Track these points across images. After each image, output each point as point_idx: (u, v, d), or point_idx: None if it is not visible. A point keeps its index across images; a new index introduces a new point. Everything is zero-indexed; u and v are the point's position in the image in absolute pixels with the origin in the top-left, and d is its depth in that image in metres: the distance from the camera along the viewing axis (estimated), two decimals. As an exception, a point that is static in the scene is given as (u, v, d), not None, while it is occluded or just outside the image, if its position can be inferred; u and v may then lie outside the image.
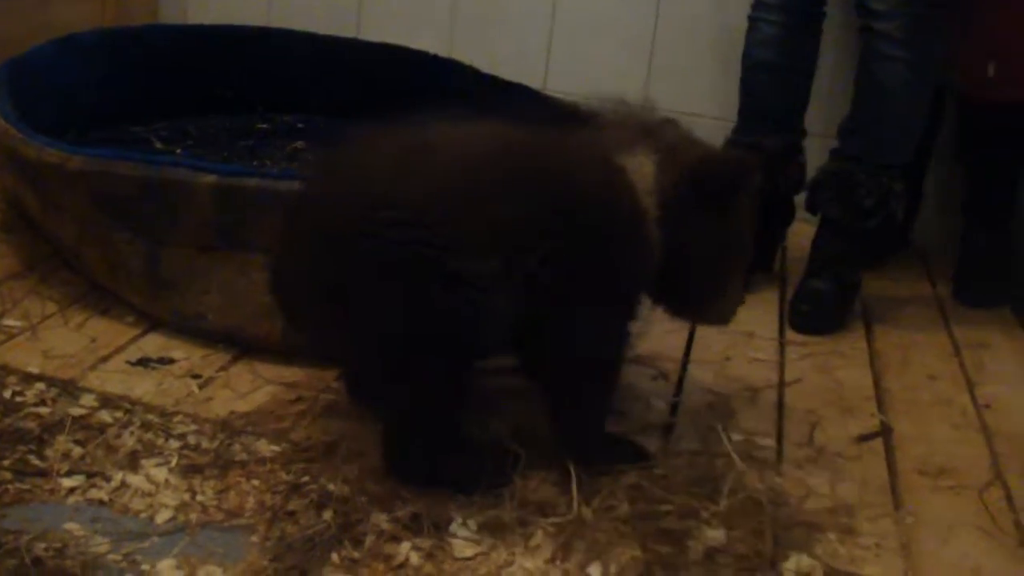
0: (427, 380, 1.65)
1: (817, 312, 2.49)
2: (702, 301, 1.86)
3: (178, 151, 2.78)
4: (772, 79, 2.63)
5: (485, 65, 2.97)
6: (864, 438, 2.00)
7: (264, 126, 3.06)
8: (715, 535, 1.62)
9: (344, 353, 1.79)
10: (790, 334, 2.44)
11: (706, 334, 2.34)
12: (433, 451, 1.69)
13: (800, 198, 2.69)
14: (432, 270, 1.57)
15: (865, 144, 2.48)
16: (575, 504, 1.65)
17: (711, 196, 1.73)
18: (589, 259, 1.67)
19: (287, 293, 1.72)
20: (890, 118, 2.47)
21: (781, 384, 2.18)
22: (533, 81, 3.04)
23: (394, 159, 1.64)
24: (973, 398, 2.22)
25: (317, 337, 1.79)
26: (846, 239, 2.52)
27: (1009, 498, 1.85)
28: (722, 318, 1.91)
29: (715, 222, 1.75)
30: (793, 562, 1.60)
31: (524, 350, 1.78)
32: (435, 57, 3.04)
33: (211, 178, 1.93)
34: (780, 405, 2.09)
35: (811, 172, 2.65)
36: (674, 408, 2.03)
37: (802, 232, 2.74)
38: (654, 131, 1.77)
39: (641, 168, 1.72)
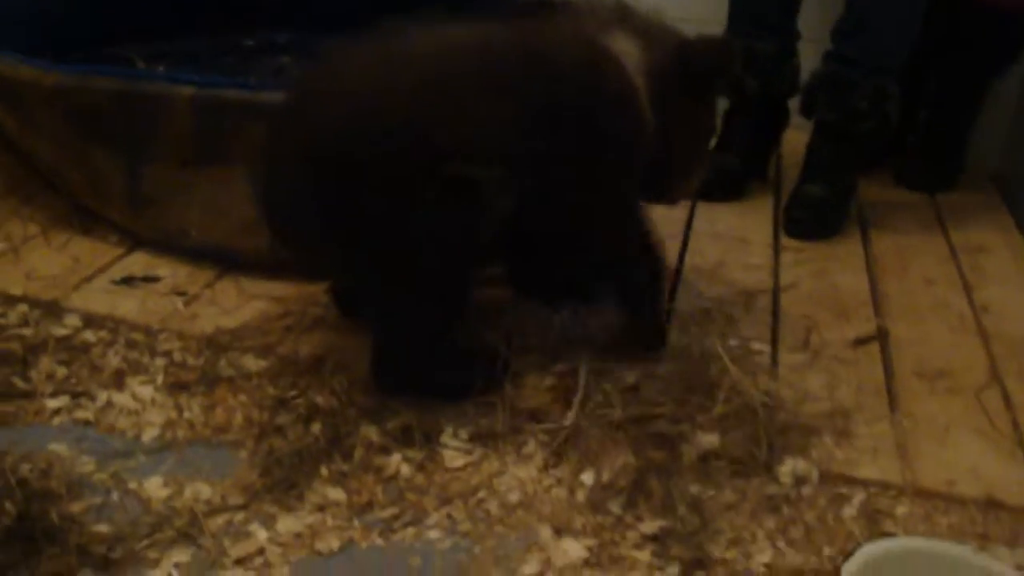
0: (425, 292, 1.61)
1: (812, 217, 2.46)
2: (673, 182, 1.86)
3: (161, 69, 2.73)
4: None
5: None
6: (860, 341, 1.97)
7: (249, 43, 3.01)
8: (709, 439, 1.61)
9: (336, 268, 1.75)
10: (785, 240, 2.41)
11: (700, 240, 2.31)
12: (424, 363, 1.67)
13: (794, 103, 2.64)
14: (427, 178, 1.53)
15: (859, 46, 2.43)
16: (574, 411, 1.64)
17: (698, 78, 1.73)
18: (594, 143, 1.64)
19: (274, 210, 1.67)
20: (883, 18, 2.42)
21: (776, 289, 2.15)
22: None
23: (378, 68, 1.59)
24: (971, 301, 2.20)
25: (306, 253, 1.75)
26: (841, 143, 2.49)
27: (1006, 399, 1.83)
28: (686, 196, 1.97)
29: (696, 104, 1.76)
30: (788, 465, 1.58)
31: (528, 256, 1.79)
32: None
33: (189, 90, 1.89)
34: (775, 310, 2.07)
35: (805, 76, 2.60)
36: (668, 314, 2.00)
37: (797, 139, 2.70)
38: (626, 16, 1.75)
39: (626, 50, 1.69)
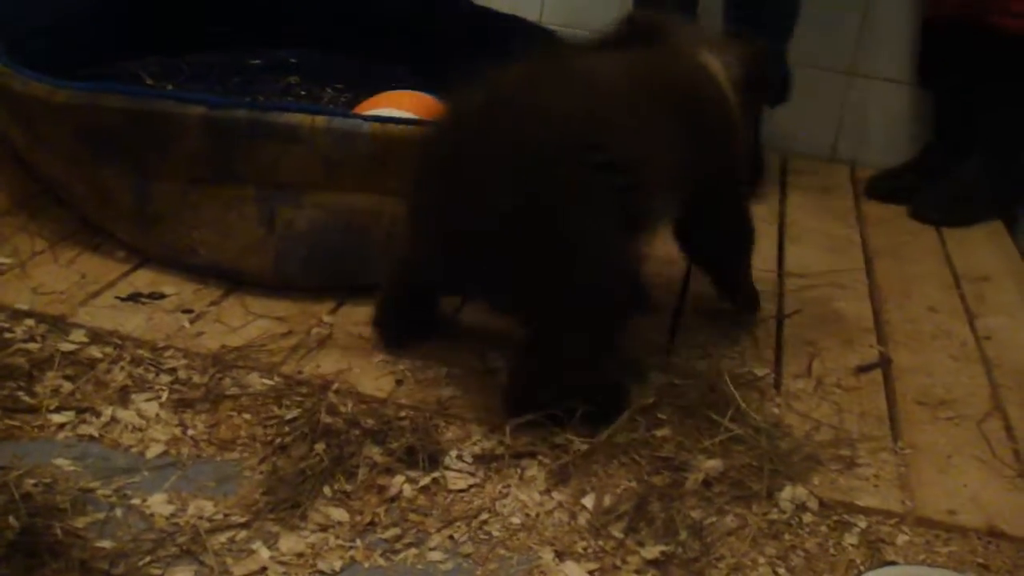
0: (600, 315, 1.65)
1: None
2: None
3: (169, 87, 2.75)
4: None
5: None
6: (863, 369, 1.98)
7: (257, 61, 3.02)
8: (712, 465, 1.61)
9: (485, 285, 1.72)
10: (789, 266, 2.41)
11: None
12: (577, 384, 1.70)
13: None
14: (622, 209, 1.63)
15: None
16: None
17: (759, 84, 1.95)
18: (718, 160, 1.83)
19: (441, 225, 1.69)
20: None
21: (780, 315, 2.16)
22: (529, 14, 3.00)
23: (585, 99, 1.66)
24: (973, 330, 2.21)
25: (468, 274, 1.72)
26: None
27: (1008, 428, 1.84)
28: None
29: (753, 106, 1.98)
30: (788, 492, 1.59)
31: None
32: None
33: (200, 109, 1.90)
34: (779, 336, 2.07)
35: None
36: (672, 338, 2.02)
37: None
38: (703, 34, 1.95)
39: (715, 67, 1.87)
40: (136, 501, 1.47)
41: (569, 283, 1.60)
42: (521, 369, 1.72)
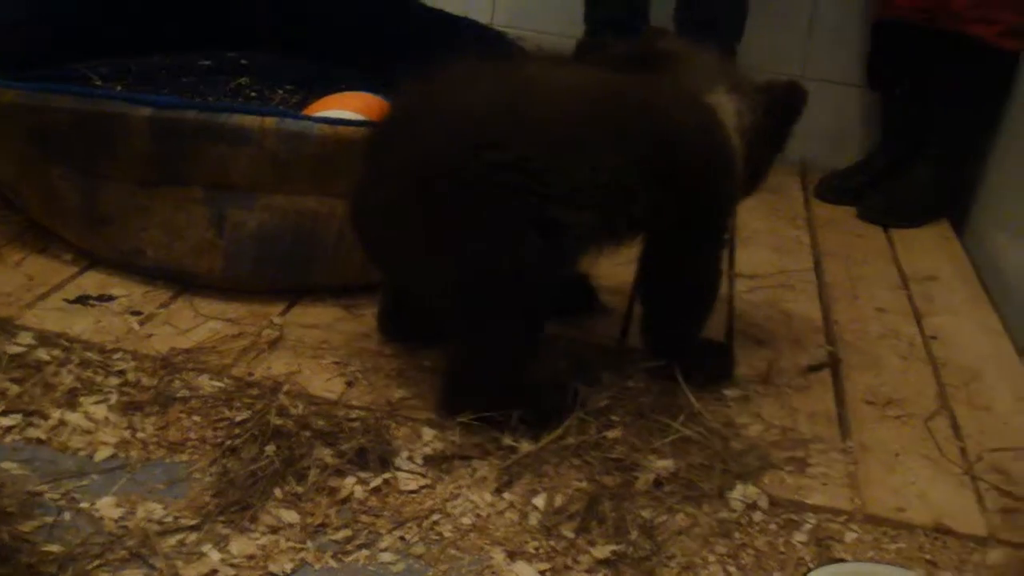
0: (508, 318, 1.64)
1: None
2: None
3: (118, 88, 2.73)
4: None
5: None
6: (812, 369, 2.00)
7: (207, 63, 3.01)
8: (663, 465, 1.62)
9: (422, 287, 1.71)
10: (739, 267, 2.43)
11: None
12: (505, 392, 1.68)
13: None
14: (530, 216, 1.58)
15: None
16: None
17: (779, 127, 1.85)
18: (693, 202, 1.73)
19: (369, 226, 1.70)
20: None
21: (731, 316, 2.17)
22: (480, 16, 3.01)
23: (498, 99, 1.63)
24: (921, 329, 2.23)
25: (396, 271, 1.77)
26: None
27: (955, 426, 1.86)
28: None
29: (772, 145, 1.88)
30: (739, 492, 1.59)
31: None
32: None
33: (147, 111, 1.88)
34: (730, 337, 2.09)
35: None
36: (624, 336, 2.03)
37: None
38: (723, 70, 1.84)
39: (727, 109, 1.78)
40: (85, 504, 1.46)
41: (466, 283, 1.61)
42: (448, 371, 1.72)
